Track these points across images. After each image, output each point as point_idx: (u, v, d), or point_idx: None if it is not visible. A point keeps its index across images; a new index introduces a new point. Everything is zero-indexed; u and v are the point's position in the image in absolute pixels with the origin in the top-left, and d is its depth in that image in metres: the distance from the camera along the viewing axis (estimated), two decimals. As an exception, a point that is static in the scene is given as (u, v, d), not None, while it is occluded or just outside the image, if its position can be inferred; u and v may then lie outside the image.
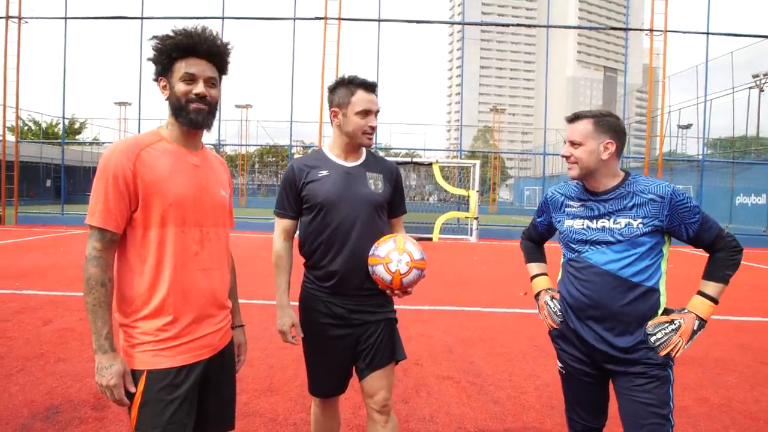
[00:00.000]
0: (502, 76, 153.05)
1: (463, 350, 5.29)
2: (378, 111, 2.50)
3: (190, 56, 1.85)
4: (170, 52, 1.84)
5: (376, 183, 2.52)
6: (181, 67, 1.85)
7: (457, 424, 3.63)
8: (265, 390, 4.10)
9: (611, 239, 2.16)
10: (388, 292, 2.43)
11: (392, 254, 2.31)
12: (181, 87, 1.85)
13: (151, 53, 1.87)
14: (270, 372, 4.50)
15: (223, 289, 2.03)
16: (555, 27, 22.91)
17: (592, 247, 2.21)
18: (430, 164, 17.48)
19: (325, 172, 2.46)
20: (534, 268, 2.64)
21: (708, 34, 18.95)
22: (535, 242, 2.68)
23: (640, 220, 2.12)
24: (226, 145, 42.79)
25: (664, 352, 2.11)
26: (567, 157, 2.23)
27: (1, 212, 19.70)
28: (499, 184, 53.14)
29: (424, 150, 36.74)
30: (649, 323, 2.15)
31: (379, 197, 2.50)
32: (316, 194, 2.43)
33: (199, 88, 1.86)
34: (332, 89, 2.52)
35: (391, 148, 42.96)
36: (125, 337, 1.84)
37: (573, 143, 2.22)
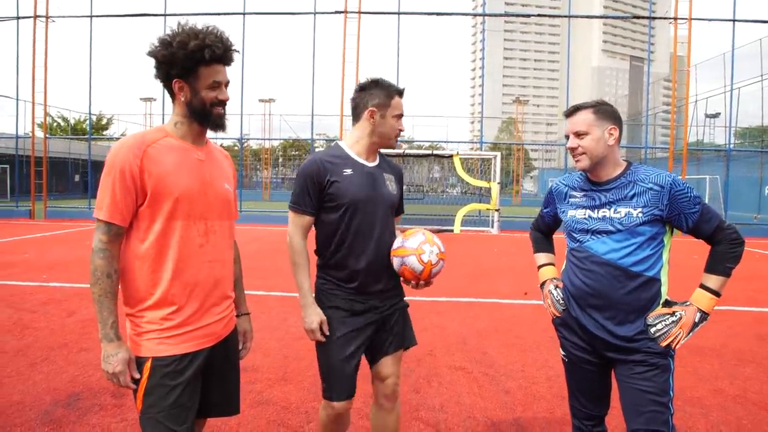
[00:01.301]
0: (526, 67, 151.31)
1: (477, 341, 5.31)
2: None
3: (216, 63, 1.93)
4: (200, 60, 1.88)
5: (391, 184, 2.59)
6: (208, 74, 1.91)
7: (466, 413, 3.67)
8: (279, 379, 4.18)
9: (612, 228, 2.18)
10: (412, 282, 2.47)
11: (424, 246, 2.40)
12: (209, 94, 1.93)
13: (169, 55, 1.87)
14: (285, 362, 4.58)
15: (227, 279, 2.10)
16: (577, 17, 22.67)
17: (593, 237, 2.23)
18: (451, 156, 17.46)
19: (349, 171, 2.46)
20: (541, 258, 2.67)
21: (734, 21, 18.53)
22: (543, 233, 2.71)
23: (639, 210, 2.13)
24: (250, 139, 43.23)
25: (664, 343, 2.12)
26: (573, 149, 2.22)
27: (31, 207, 20.21)
28: (522, 175, 52.77)
29: (447, 142, 36.65)
30: (650, 314, 2.16)
31: (395, 198, 2.60)
32: (344, 194, 2.42)
33: (224, 94, 1.98)
34: (366, 88, 2.52)
35: (414, 141, 42.91)
36: (132, 326, 1.91)
37: (578, 134, 2.21)
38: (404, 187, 2.83)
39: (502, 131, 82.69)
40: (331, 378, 2.48)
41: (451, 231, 16.17)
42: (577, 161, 2.24)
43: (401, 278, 2.53)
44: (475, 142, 25.61)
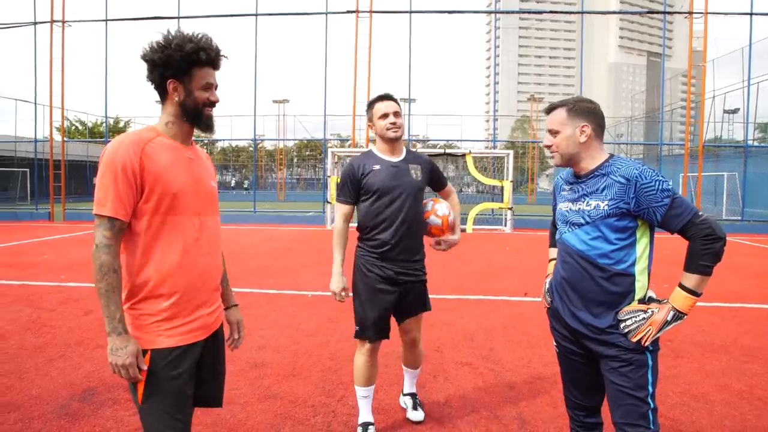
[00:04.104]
0: (542, 64, 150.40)
1: (484, 338, 5.36)
2: (396, 112, 3.20)
3: (208, 66, 2.03)
4: (195, 62, 1.98)
5: (416, 172, 3.26)
6: (201, 76, 2.02)
7: (471, 407, 3.72)
8: (288, 374, 4.27)
9: (582, 221, 2.22)
10: (436, 239, 3.31)
11: (436, 206, 3.28)
12: (202, 94, 2.03)
13: (165, 57, 1.96)
14: (294, 358, 4.67)
15: (217, 273, 2.18)
16: (590, 13, 22.45)
17: (569, 229, 2.28)
18: (464, 155, 17.48)
19: (377, 167, 3.20)
20: (552, 252, 2.70)
21: (752, 14, 18.29)
22: (556, 228, 2.75)
23: (606, 202, 2.15)
24: (264, 139, 43.49)
25: (634, 339, 2.13)
26: (549, 147, 2.32)
27: (50, 209, 20.56)
28: (538, 173, 52.47)
29: (461, 141, 36.61)
30: (623, 309, 2.17)
31: (420, 183, 3.27)
32: (373, 183, 3.16)
33: (215, 96, 2.08)
34: (366, 112, 3.33)
35: (428, 140, 42.86)
36: (130, 319, 1.95)
37: (552, 132, 2.30)
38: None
39: (516, 129, 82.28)
40: (365, 324, 3.22)
41: (463, 230, 16.18)
42: (552, 158, 2.34)
43: (431, 234, 3.29)
44: (489, 141, 25.56)
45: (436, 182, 3.44)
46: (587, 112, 2.25)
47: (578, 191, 2.28)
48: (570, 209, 2.30)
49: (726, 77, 27.76)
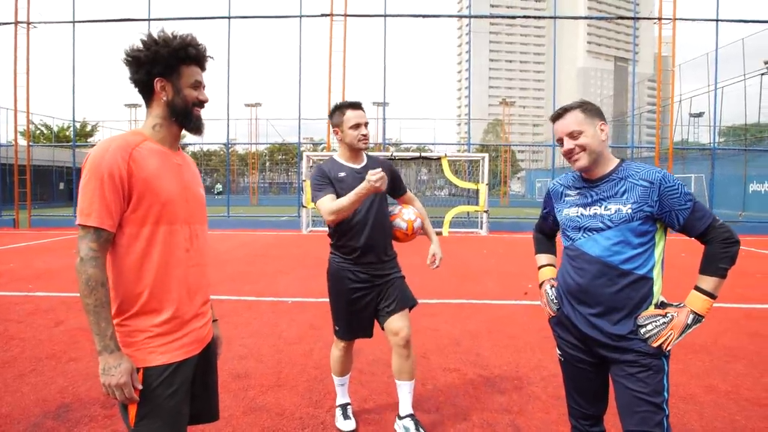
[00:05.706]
0: (512, 69, 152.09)
1: (470, 342, 5.30)
2: (367, 123, 3.29)
3: (195, 64, 1.96)
4: (183, 59, 1.90)
5: None
6: (190, 74, 1.94)
7: (462, 415, 3.65)
8: (272, 385, 4.14)
9: (601, 226, 2.16)
10: (428, 261, 3.39)
11: (403, 210, 3.36)
12: (191, 93, 1.94)
13: (152, 54, 1.87)
14: (278, 368, 4.54)
15: (207, 284, 2.08)
16: (562, 18, 22.73)
17: (584, 234, 2.22)
18: (439, 159, 17.48)
19: (343, 174, 3.25)
20: (542, 258, 2.66)
21: (717, 21, 18.71)
22: (544, 234, 2.70)
23: (629, 206, 2.11)
24: (237, 143, 42.88)
25: (655, 344, 2.09)
26: (570, 151, 2.19)
27: (15, 216, 19.95)
28: (510, 176, 52.96)
29: (435, 144, 36.66)
30: (642, 314, 2.14)
31: (385, 188, 3.16)
32: (341, 190, 3.18)
33: (204, 95, 2.00)
34: (330, 115, 3.34)
35: (401, 144, 42.83)
36: (120, 337, 1.82)
37: (572, 135, 2.19)
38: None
39: (489, 132, 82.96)
40: (340, 324, 3.37)
41: (440, 233, 16.17)
42: (575, 161, 2.21)
43: (396, 238, 3.36)
44: (463, 144, 25.65)
45: (395, 189, 3.49)
46: (599, 112, 2.21)
47: (591, 196, 2.23)
48: (582, 214, 2.24)
49: (691, 81, 28.42)
